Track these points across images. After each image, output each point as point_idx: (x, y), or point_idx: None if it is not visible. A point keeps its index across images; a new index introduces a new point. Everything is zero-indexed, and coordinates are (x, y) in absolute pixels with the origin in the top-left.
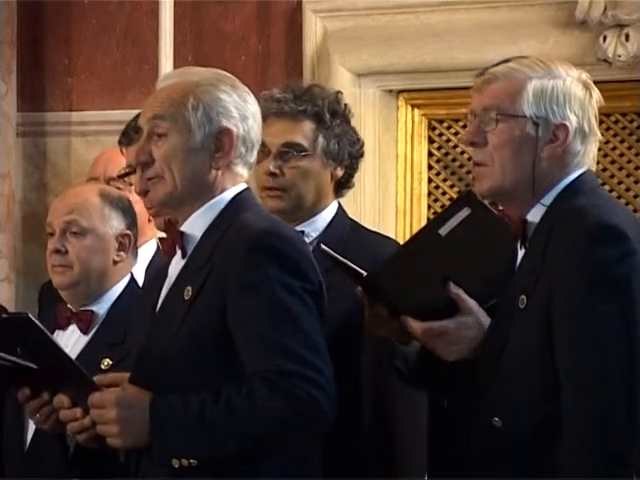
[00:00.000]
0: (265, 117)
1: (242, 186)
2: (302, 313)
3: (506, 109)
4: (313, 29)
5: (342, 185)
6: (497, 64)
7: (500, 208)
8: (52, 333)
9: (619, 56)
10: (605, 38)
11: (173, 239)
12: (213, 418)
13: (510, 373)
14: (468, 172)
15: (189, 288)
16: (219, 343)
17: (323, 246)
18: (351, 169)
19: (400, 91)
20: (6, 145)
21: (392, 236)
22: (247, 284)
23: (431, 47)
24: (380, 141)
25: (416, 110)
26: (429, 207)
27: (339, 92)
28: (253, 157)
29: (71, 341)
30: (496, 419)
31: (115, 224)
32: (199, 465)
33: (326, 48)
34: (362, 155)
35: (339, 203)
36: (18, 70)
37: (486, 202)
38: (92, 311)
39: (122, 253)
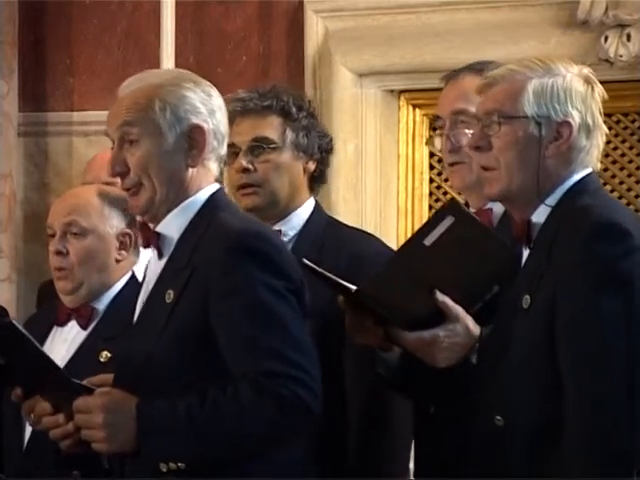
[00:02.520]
0: (232, 117)
1: (215, 186)
2: (285, 313)
3: (508, 111)
4: (314, 29)
5: (315, 180)
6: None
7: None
8: (50, 330)
9: (620, 56)
10: (607, 38)
11: (148, 240)
12: (200, 421)
13: (513, 372)
14: None
15: (170, 291)
16: (202, 345)
17: (305, 260)
18: (322, 164)
19: (401, 91)
20: (7, 145)
21: (394, 236)
22: (229, 286)
23: (432, 47)
24: (381, 141)
25: (417, 110)
26: (430, 207)
27: (302, 92)
28: (224, 150)
29: (70, 336)
30: (498, 418)
31: (115, 223)
32: (187, 468)
33: (327, 48)
34: (332, 150)
35: (316, 201)
36: (19, 70)
37: (468, 209)
38: (92, 307)
39: (123, 252)
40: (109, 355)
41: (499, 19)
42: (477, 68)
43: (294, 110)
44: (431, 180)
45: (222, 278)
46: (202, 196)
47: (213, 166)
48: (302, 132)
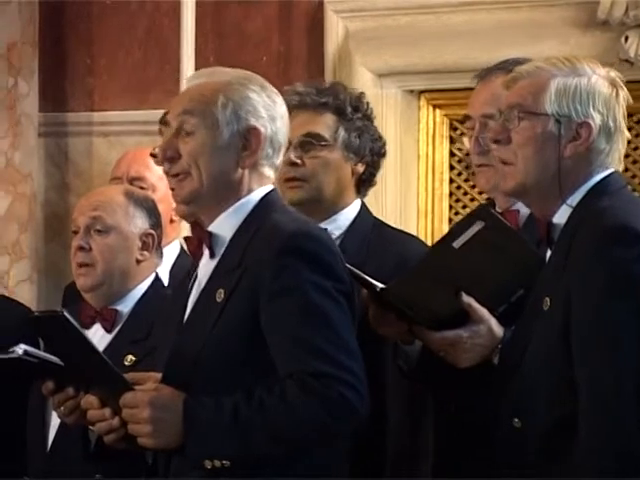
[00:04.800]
0: (287, 110)
1: (269, 187)
2: (334, 314)
3: (529, 107)
4: (335, 29)
5: (364, 183)
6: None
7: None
8: None
9: None
10: (627, 38)
11: (200, 240)
12: (246, 420)
13: (531, 374)
14: None
15: (221, 291)
16: (252, 345)
17: None
18: (373, 167)
19: (422, 91)
20: (28, 145)
21: None
22: (279, 286)
23: (452, 47)
24: (402, 141)
25: (437, 110)
26: (450, 207)
27: (362, 93)
28: (279, 160)
29: (95, 339)
30: (516, 420)
31: (139, 223)
32: (232, 466)
33: (347, 48)
34: (384, 154)
35: (363, 202)
36: (40, 70)
37: (499, 215)
38: (116, 310)
39: (145, 252)
40: (134, 359)
41: (519, 19)
42: (509, 68)
43: (349, 110)
44: (451, 180)
45: (272, 278)
46: (255, 197)
47: (268, 172)
48: (355, 133)
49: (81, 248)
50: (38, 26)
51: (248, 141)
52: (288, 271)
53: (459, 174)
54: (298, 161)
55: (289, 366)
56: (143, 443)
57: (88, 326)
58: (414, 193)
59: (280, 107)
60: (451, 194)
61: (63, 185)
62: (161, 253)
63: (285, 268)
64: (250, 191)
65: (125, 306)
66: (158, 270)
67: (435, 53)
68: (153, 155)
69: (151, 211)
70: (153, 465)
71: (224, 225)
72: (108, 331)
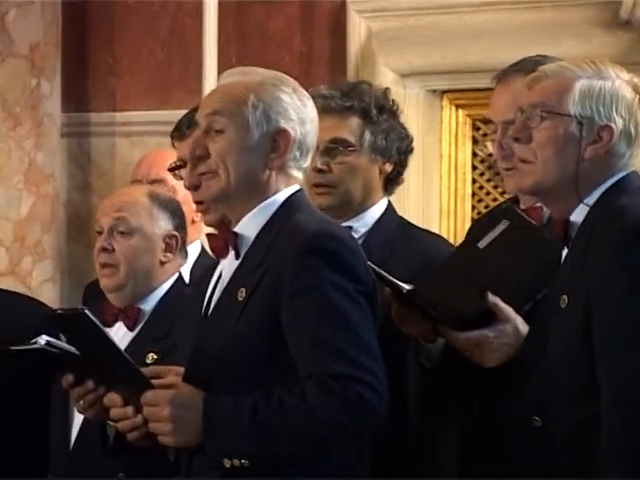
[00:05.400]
0: None
1: (295, 187)
2: (355, 314)
3: (552, 107)
4: (357, 29)
5: (391, 181)
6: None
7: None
8: None
9: None
10: None
11: (226, 240)
12: (265, 419)
13: (550, 372)
14: None
15: (243, 289)
16: (272, 344)
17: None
18: (400, 165)
19: (444, 91)
20: (51, 146)
21: None
22: (301, 286)
23: (475, 47)
24: (424, 141)
25: (460, 110)
26: (473, 207)
27: (387, 88)
28: (307, 162)
29: (117, 337)
30: (536, 418)
31: (163, 225)
32: (251, 465)
33: (370, 48)
34: (412, 150)
35: (389, 201)
36: (62, 71)
37: (524, 214)
38: (138, 308)
39: (169, 254)
40: (155, 357)
41: (541, 19)
42: (527, 69)
43: (375, 112)
44: (474, 180)
45: (293, 278)
46: (281, 197)
47: (296, 174)
48: (381, 135)
49: (104, 249)
50: (61, 26)
51: (277, 143)
52: (309, 271)
53: (481, 174)
54: (325, 168)
55: (309, 366)
56: (163, 441)
57: (110, 324)
58: (436, 193)
59: (311, 110)
60: (473, 194)
61: (85, 185)
62: (186, 254)
63: (306, 268)
64: (277, 192)
65: (147, 305)
66: (182, 269)
67: (458, 53)
68: (171, 169)
69: (175, 213)
70: (175, 462)
71: (249, 225)
72: (130, 329)
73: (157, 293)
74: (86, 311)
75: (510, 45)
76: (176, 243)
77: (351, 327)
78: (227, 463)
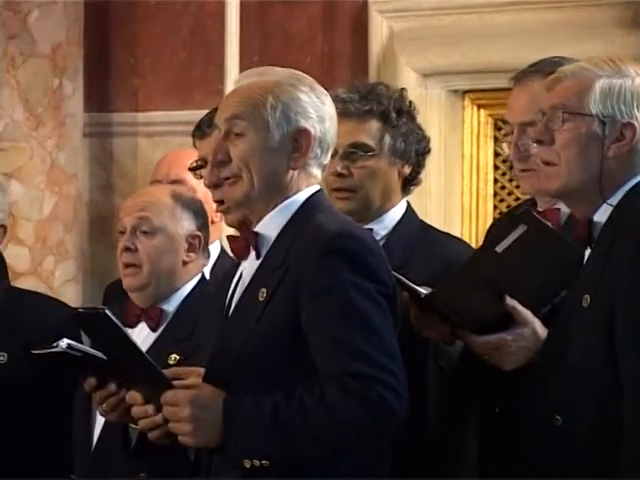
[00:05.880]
0: None
1: (315, 187)
2: (375, 315)
3: (573, 107)
4: (379, 29)
5: (409, 183)
6: (534, 64)
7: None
8: None
9: None
10: None
11: (247, 240)
12: (286, 419)
13: (572, 372)
14: None
15: (264, 290)
16: (293, 344)
17: None
18: (418, 166)
19: (466, 91)
20: (73, 146)
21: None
22: (321, 286)
23: (497, 47)
24: (446, 141)
25: (482, 110)
26: (495, 208)
27: (403, 89)
28: (327, 159)
29: (140, 338)
30: (557, 417)
31: (186, 225)
32: (271, 466)
33: (392, 48)
34: (429, 152)
35: (408, 202)
36: (85, 71)
37: (542, 218)
38: (161, 309)
39: (192, 254)
40: (178, 357)
41: (563, 19)
42: (547, 70)
43: (394, 116)
44: (495, 180)
45: (313, 278)
46: (301, 197)
47: (316, 172)
48: (400, 138)
49: (127, 249)
50: (83, 27)
51: (298, 142)
52: (329, 271)
53: (503, 174)
54: (345, 172)
55: (329, 367)
56: (183, 441)
57: (133, 325)
58: (458, 193)
59: (329, 108)
60: (495, 194)
61: (108, 185)
62: (208, 254)
63: (327, 268)
64: (297, 191)
65: (170, 305)
66: (205, 269)
67: (479, 53)
68: (191, 169)
69: (198, 212)
70: (195, 462)
71: (270, 225)
72: (153, 330)
73: (180, 293)
74: (106, 311)
75: (531, 45)
76: (199, 243)
77: (372, 328)
78: (247, 463)
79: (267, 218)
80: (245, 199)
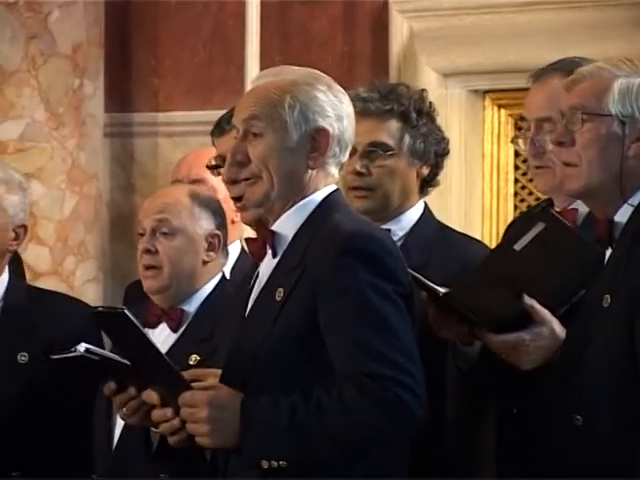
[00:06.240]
0: None
1: (332, 187)
2: (393, 315)
3: (592, 108)
4: (399, 29)
5: (427, 183)
6: (554, 63)
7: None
8: None
9: None
10: None
11: (264, 239)
12: (303, 420)
13: (593, 372)
14: None
15: (281, 290)
16: (310, 345)
17: None
18: (436, 167)
19: (486, 91)
20: (93, 146)
21: (478, 237)
22: (338, 287)
23: (517, 47)
24: (466, 141)
25: (502, 110)
26: (515, 207)
27: (424, 90)
28: (345, 157)
29: (160, 339)
30: (577, 417)
31: (205, 224)
32: (288, 466)
33: (412, 48)
34: (447, 153)
35: (425, 203)
36: (105, 71)
37: (560, 216)
38: (182, 309)
39: (212, 253)
40: (198, 358)
41: (583, 19)
42: (566, 69)
43: (414, 116)
44: (516, 180)
45: (330, 278)
46: (318, 196)
47: (334, 171)
48: (420, 139)
49: (147, 251)
50: (104, 27)
51: (317, 142)
52: (346, 272)
53: (524, 174)
54: (364, 171)
55: (346, 367)
56: (201, 442)
57: (154, 325)
58: (479, 193)
59: (347, 106)
60: (516, 194)
61: (128, 185)
62: (227, 253)
63: (344, 269)
64: (315, 190)
65: (191, 306)
66: (225, 268)
67: (500, 53)
68: (210, 167)
69: (216, 211)
70: (212, 462)
71: (287, 224)
72: (174, 330)
73: (200, 294)
74: (125, 311)
75: (552, 45)
76: (218, 242)
77: (390, 328)
78: (265, 464)
79: (284, 217)
80: (265, 199)
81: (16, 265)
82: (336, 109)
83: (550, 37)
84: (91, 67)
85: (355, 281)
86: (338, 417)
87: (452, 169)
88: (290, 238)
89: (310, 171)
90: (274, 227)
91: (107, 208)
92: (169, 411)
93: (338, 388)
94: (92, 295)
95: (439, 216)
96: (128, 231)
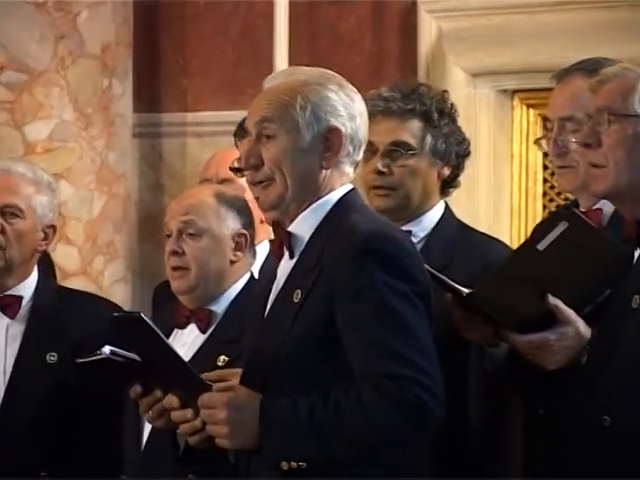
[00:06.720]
0: (373, 115)
1: (348, 187)
2: (411, 316)
3: (618, 109)
4: (428, 29)
5: (448, 184)
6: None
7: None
8: (170, 332)
9: None
10: None
11: (280, 240)
12: (322, 421)
13: (622, 372)
14: None
15: (298, 291)
16: (328, 346)
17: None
18: (457, 168)
19: (515, 91)
20: (122, 146)
21: (507, 237)
22: (356, 287)
23: (546, 47)
24: (495, 141)
25: (531, 110)
26: (544, 207)
27: (445, 91)
28: (359, 156)
29: (189, 339)
30: (605, 418)
31: (231, 224)
32: (308, 467)
33: (441, 48)
34: (469, 154)
35: (446, 203)
36: (134, 71)
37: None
38: (210, 310)
39: (239, 253)
40: (227, 359)
41: (613, 19)
42: (589, 69)
43: (436, 116)
44: (545, 180)
45: (348, 279)
46: (334, 196)
47: (348, 170)
48: (441, 139)
49: (174, 252)
50: (132, 27)
51: (330, 142)
52: (364, 272)
53: (552, 174)
54: (385, 170)
55: (365, 368)
56: (220, 444)
57: (183, 326)
58: (507, 193)
59: (359, 105)
60: (545, 194)
61: (157, 185)
62: (254, 252)
63: (361, 269)
64: (331, 190)
65: (219, 306)
66: (253, 268)
67: (528, 52)
68: (233, 170)
69: (242, 211)
70: (236, 464)
71: (303, 225)
72: (203, 331)
73: (229, 294)
74: (142, 314)
75: (581, 45)
76: (245, 241)
77: (407, 329)
78: (284, 465)
79: (300, 218)
80: (279, 201)
81: (47, 265)
82: (348, 108)
83: (579, 37)
84: (120, 67)
85: (373, 281)
86: (356, 418)
87: (480, 169)
88: (307, 239)
89: (324, 171)
90: (290, 228)
91: (136, 208)
92: (189, 412)
93: (356, 388)
94: (121, 295)
95: (467, 216)
96: (157, 231)
